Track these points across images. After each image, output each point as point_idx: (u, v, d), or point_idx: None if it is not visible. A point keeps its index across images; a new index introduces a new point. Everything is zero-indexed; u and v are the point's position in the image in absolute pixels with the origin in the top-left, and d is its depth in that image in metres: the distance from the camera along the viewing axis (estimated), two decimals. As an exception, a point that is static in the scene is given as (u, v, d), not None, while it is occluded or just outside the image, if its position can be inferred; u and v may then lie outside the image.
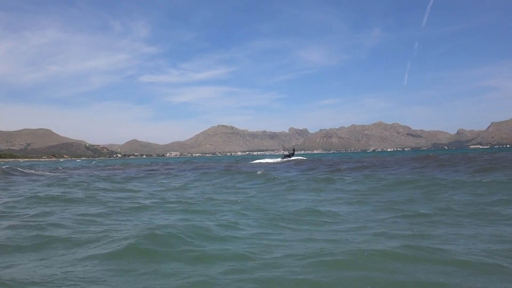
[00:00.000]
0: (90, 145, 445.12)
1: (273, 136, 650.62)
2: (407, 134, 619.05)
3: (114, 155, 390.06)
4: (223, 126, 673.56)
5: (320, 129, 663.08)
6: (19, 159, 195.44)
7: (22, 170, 30.03)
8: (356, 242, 5.33)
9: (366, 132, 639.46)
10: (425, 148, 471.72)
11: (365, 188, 13.07)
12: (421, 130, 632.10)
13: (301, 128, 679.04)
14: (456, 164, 22.71)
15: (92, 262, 4.56)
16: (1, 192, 13.61)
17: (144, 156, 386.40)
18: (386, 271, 4.08)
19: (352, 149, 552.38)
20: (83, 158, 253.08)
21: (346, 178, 16.85)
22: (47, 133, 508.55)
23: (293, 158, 40.15)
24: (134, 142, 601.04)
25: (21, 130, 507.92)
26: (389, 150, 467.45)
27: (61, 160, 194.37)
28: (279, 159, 40.27)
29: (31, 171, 30.20)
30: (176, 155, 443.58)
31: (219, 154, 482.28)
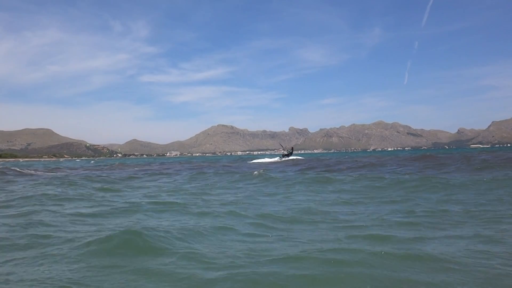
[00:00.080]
0: (90, 145, 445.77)
1: (273, 135, 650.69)
2: (408, 133, 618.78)
3: (115, 155, 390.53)
4: (223, 125, 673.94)
5: (320, 129, 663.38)
6: (19, 159, 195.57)
7: (18, 169, 29.87)
8: (351, 243, 5.23)
9: (366, 131, 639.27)
10: (425, 148, 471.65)
11: (362, 187, 12.87)
12: (422, 129, 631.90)
13: (301, 128, 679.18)
14: (455, 163, 22.48)
15: (76, 261, 4.57)
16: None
17: (145, 156, 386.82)
18: (382, 272, 3.99)
19: (352, 148, 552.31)
20: (83, 158, 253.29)
21: (343, 177, 16.64)
22: (47, 133, 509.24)
23: (291, 157, 39.90)
24: (134, 142, 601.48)
25: (21, 130, 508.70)
26: (389, 149, 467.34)
27: (61, 160, 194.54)
28: (277, 159, 40.04)
29: (27, 170, 30.04)
30: (176, 154, 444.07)
31: (219, 154, 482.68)
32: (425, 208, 8.33)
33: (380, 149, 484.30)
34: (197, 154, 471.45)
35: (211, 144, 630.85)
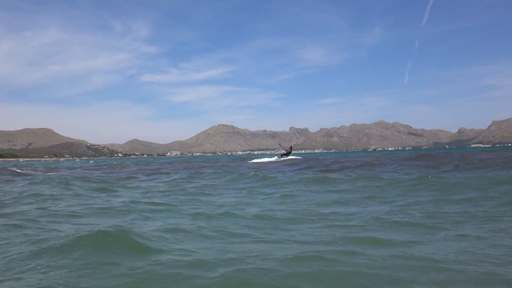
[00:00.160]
0: (91, 145, 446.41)
1: (273, 135, 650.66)
2: (408, 133, 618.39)
3: (115, 155, 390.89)
4: (223, 125, 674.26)
5: (320, 128, 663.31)
6: (20, 159, 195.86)
7: (16, 170, 29.79)
8: (348, 244, 5.13)
9: (367, 131, 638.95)
10: (426, 147, 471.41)
11: (360, 187, 12.72)
12: (422, 129, 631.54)
13: (301, 127, 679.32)
14: (454, 162, 22.29)
15: (48, 259, 4.50)
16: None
17: (145, 156, 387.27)
18: (381, 272, 3.95)
19: (353, 148, 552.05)
20: (84, 158, 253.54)
21: (340, 177, 16.49)
22: (48, 132, 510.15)
23: (289, 157, 39.72)
24: (135, 141, 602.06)
25: (22, 129, 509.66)
26: (390, 149, 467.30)
27: (61, 160, 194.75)
28: (275, 158, 39.87)
29: (25, 170, 29.93)
30: (176, 154, 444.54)
31: (219, 154, 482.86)
32: (424, 208, 8.21)
33: (380, 149, 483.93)
34: (197, 154, 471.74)
35: (212, 143, 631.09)
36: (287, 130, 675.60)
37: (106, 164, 49.48)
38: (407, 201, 9.40)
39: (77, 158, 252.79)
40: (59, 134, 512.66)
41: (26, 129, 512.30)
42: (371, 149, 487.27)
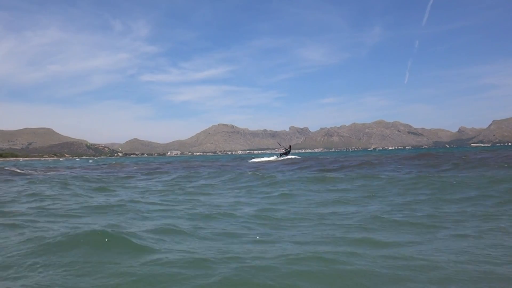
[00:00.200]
0: (91, 144, 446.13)
1: (273, 134, 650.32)
2: (408, 132, 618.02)
3: (115, 154, 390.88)
4: (223, 125, 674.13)
5: (320, 128, 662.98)
6: (20, 158, 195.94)
7: (14, 170, 29.78)
8: (347, 244, 5.09)
9: (367, 130, 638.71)
10: (426, 147, 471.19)
11: (358, 186, 12.67)
12: (422, 128, 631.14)
13: (301, 127, 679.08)
14: (453, 161, 22.25)
15: (45, 259, 4.48)
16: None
17: (145, 155, 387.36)
18: (381, 271, 3.93)
19: (353, 147, 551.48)
20: (84, 157, 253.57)
21: (338, 176, 16.46)
22: (48, 132, 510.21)
23: (288, 156, 39.63)
24: (135, 141, 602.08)
25: (22, 129, 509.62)
26: (390, 148, 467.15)
27: (61, 159, 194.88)
28: (274, 157, 39.80)
29: (22, 170, 29.91)
30: (177, 154, 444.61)
31: (219, 153, 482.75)
32: (423, 207, 8.16)
33: (381, 148, 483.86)
34: (197, 153, 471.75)
35: (212, 143, 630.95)
36: (287, 129, 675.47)
37: (105, 164, 49.46)
38: (406, 200, 9.35)
39: (77, 157, 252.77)
40: (59, 134, 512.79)
41: (26, 128, 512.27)
42: (371, 149, 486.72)
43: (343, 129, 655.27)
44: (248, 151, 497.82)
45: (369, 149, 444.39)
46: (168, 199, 10.69)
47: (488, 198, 9.12)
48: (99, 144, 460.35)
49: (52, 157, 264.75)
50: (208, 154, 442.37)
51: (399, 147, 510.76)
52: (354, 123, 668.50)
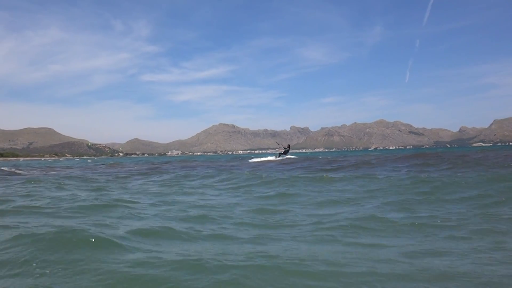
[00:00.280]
0: (92, 144, 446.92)
1: (274, 134, 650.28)
2: (409, 132, 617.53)
3: (116, 154, 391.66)
4: (224, 124, 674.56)
5: (321, 128, 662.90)
6: (20, 158, 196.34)
7: (7, 169, 29.74)
8: (342, 246, 4.93)
9: (367, 130, 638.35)
10: (427, 146, 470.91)
11: (355, 187, 12.50)
12: (423, 128, 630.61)
13: (302, 127, 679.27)
14: (452, 161, 22.07)
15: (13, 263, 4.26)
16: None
17: (146, 155, 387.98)
18: (381, 271, 3.89)
19: (354, 147, 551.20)
20: (85, 157, 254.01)
21: (336, 176, 16.29)
22: (49, 132, 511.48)
23: (286, 156, 39.46)
24: (135, 141, 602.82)
25: (23, 129, 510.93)
26: (391, 148, 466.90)
27: (61, 159, 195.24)
28: (273, 157, 39.63)
29: (20, 170, 29.83)
30: (177, 153, 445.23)
31: (220, 153, 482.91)
32: (421, 207, 8.05)
33: (381, 148, 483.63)
34: (198, 153, 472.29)
35: (213, 143, 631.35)
36: (288, 129, 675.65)
37: (103, 164, 49.39)
38: (405, 200, 9.23)
39: (77, 157, 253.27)
40: (60, 134, 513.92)
41: (27, 128, 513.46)
42: (372, 148, 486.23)
43: (344, 129, 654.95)
44: (249, 151, 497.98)
45: (370, 149, 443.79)
46: (162, 199, 10.54)
47: (488, 198, 8.99)
48: (100, 144, 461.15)
49: (53, 156, 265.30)
50: (208, 154, 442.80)
51: (400, 147, 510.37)
52: (355, 122, 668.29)
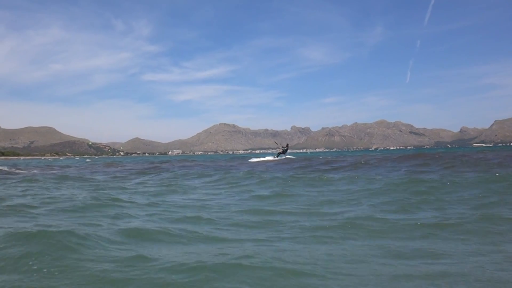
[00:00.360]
0: (93, 143, 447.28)
1: (275, 134, 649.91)
2: (410, 132, 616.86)
3: (117, 153, 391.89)
4: (225, 124, 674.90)
5: (322, 128, 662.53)
6: (21, 157, 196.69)
7: (5, 168, 29.70)
8: (334, 248, 4.80)
9: (368, 130, 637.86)
10: (428, 147, 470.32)
11: (351, 187, 12.40)
12: (424, 128, 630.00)
13: (303, 127, 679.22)
14: (449, 161, 21.92)
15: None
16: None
17: (146, 154, 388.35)
18: (381, 272, 3.85)
19: (354, 147, 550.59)
20: (85, 156, 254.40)
21: (333, 176, 16.19)
22: (50, 131, 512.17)
23: (285, 156, 39.30)
24: (136, 140, 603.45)
25: (24, 128, 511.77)
26: (392, 148, 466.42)
27: (61, 158, 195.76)
28: (271, 157, 39.50)
29: (17, 169, 29.77)
30: (178, 153, 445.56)
31: (221, 153, 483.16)
32: (419, 208, 7.98)
33: (382, 148, 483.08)
34: (199, 153, 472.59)
35: (213, 142, 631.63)
36: (289, 129, 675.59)
37: (101, 163, 49.28)
38: (403, 200, 9.13)
39: (78, 156, 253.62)
40: (61, 133, 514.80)
41: (28, 127, 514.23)
42: (373, 149, 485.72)
43: (344, 129, 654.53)
44: (249, 151, 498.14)
45: (370, 149, 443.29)
46: (157, 199, 10.43)
47: (487, 198, 8.92)
48: (100, 143, 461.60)
49: (54, 156, 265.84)
50: (209, 153, 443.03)
51: (401, 147, 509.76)
52: (356, 123, 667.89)
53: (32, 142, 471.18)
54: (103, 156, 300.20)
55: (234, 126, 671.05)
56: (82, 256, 4.32)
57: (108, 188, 13.82)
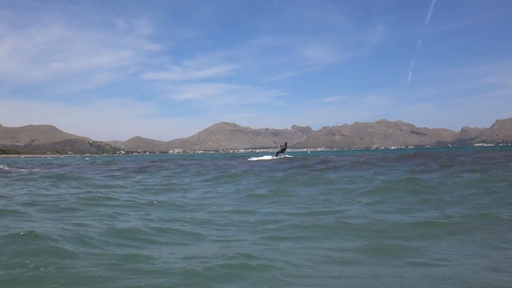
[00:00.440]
0: (93, 142, 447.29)
1: (275, 133, 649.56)
2: (411, 131, 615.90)
3: (118, 152, 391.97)
4: (225, 123, 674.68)
5: (323, 127, 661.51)
6: (22, 155, 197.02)
7: (2, 167, 29.74)
8: (337, 254, 4.66)
9: (369, 129, 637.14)
10: (429, 146, 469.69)
11: (348, 187, 12.34)
12: (425, 128, 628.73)
13: (304, 126, 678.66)
14: (448, 161, 21.83)
15: None
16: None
17: (147, 153, 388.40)
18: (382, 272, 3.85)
19: (355, 147, 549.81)
20: (86, 155, 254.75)
21: (331, 176, 16.13)
22: (51, 129, 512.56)
23: (283, 155, 39.22)
24: (137, 139, 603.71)
25: (25, 126, 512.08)
26: (392, 147, 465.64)
27: (62, 156, 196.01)
28: (270, 156, 39.44)
29: (15, 168, 29.77)
30: (179, 152, 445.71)
31: (221, 151, 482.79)
32: (416, 208, 7.91)
33: (383, 148, 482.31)
34: (199, 152, 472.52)
35: (214, 141, 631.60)
36: (290, 128, 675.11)
37: (100, 162, 49.26)
38: (401, 200, 9.07)
39: (78, 154, 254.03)
40: (62, 131, 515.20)
41: (29, 125, 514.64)
42: (374, 148, 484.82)
43: (345, 128, 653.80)
44: (250, 150, 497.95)
45: (371, 149, 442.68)
46: (153, 199, 10.37)
47: (487, 198, 8.84)
48: (101, 142, 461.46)
49: (55, 154, 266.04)
50: (210, 152, 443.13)
51: (402, 146, 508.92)
52: (356, 122, 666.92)
53: (33, 141, 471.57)
54: (104, 154, 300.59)
55: (235, 125, 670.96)
56: (77, 256, 4.25)
57: (105, 187, 13.77)
